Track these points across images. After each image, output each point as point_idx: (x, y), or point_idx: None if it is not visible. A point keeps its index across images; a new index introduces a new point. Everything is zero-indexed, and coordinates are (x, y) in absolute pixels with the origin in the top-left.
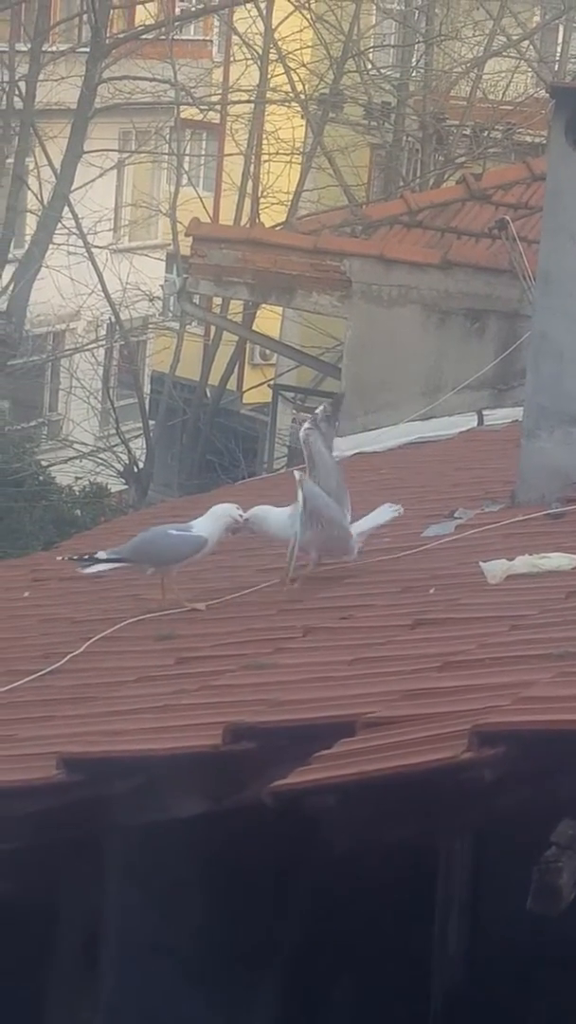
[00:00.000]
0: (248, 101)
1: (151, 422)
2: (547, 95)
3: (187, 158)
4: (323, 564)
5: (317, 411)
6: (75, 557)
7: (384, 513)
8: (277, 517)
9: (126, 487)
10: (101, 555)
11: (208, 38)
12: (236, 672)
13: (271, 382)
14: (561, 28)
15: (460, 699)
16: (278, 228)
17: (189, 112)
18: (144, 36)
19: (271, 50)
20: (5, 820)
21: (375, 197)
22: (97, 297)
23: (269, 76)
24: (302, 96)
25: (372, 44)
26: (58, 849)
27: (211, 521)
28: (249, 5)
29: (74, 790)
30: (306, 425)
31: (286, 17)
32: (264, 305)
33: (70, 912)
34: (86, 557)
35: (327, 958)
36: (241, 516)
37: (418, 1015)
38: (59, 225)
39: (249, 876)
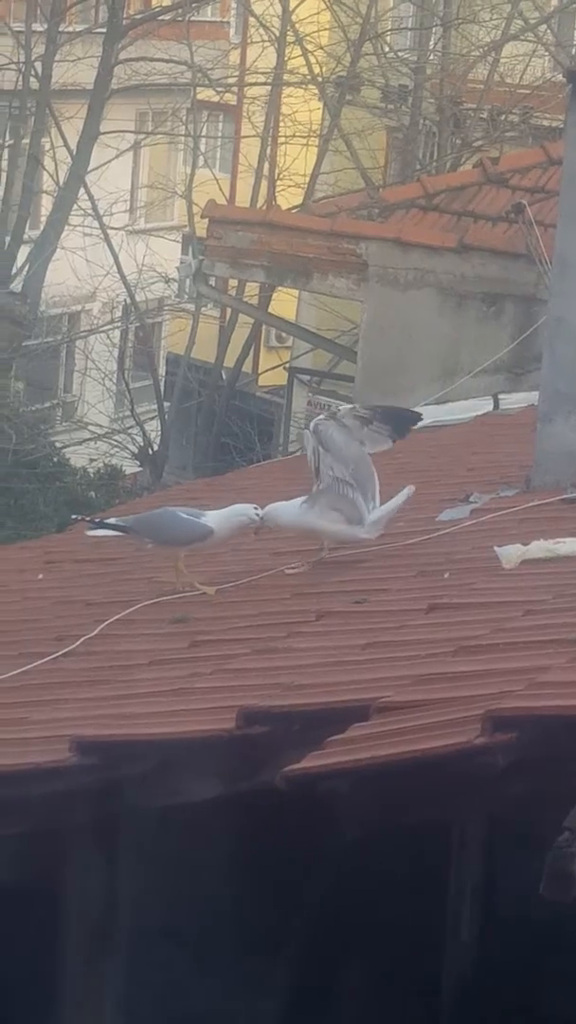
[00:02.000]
0: (265, 83)
1: (166, 404)
2: (564, 79)
3: (203, 140)
4: (337, 549)
5: (348, 407)
6: (87, 518)
7: (401, 496)
8: (288, 509)
9: (141, 469)
10: (111, 521)
11: (225, 19)
12: (250, 656)
13: (287, 365)
14: None
15: (474, 684)
16: (294, 211)
17: (206, 94)
18: (161, 17)
19: (288, 32)
20: (18, 802)
21: (392, 180)
22: (112, 278)
23: (286, 58)
24: (319, 78)
25: (390, 27)
26: (70, 833)
27: (225, 516)
28: None
29: (87, 773)
30: (320, 417)
31: None
32: (280, 288)
33: (81, 896)
34: (97, 520)
35: (339, 944)
36: (258, 516)
37: (430, 1002)
38: (75, 206)
39: (261, 861)
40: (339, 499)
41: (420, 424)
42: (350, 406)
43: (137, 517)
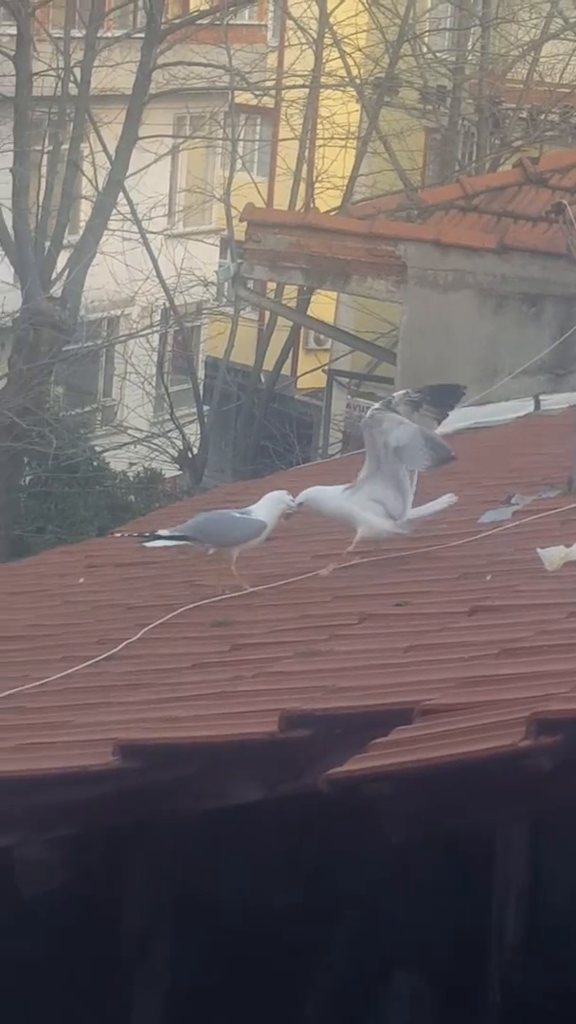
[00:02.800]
0: (303, 86)
1: (205, 407)
2: None
3: (241, 143)
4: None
5: (401, 393)
6: (135, 534)
7: (441, 501)
8: (329, 493)
9: (180, 473)
10: (163, 532)
11: (263, 23)
12: (292, 659)
13: (325, 367)
14: None
15: (518, 686)
16: (333, 213)
17: (244, 97)
18: (199, 21)
19: (326, 34)
20: (62, 806)
21: (430, 181)
22: (152, 283)
23: (324, 60)
24: (357, 80)
25: (428, 28)
26: (114, 836)
27: (267, 507)
28: None
29: (130, 777)
30: (376, 406)
31: (341, 1)
32: (319, 290)
33: (126, 899)
34: (146, 535)
35: (384, 947)
36: (292, 503)
37: (476, 1004)
38: (114, 211)
39: (306, 864)
40: (382, 491)
41: (462, 427)
42: (403, 391)
43: (193, 523)
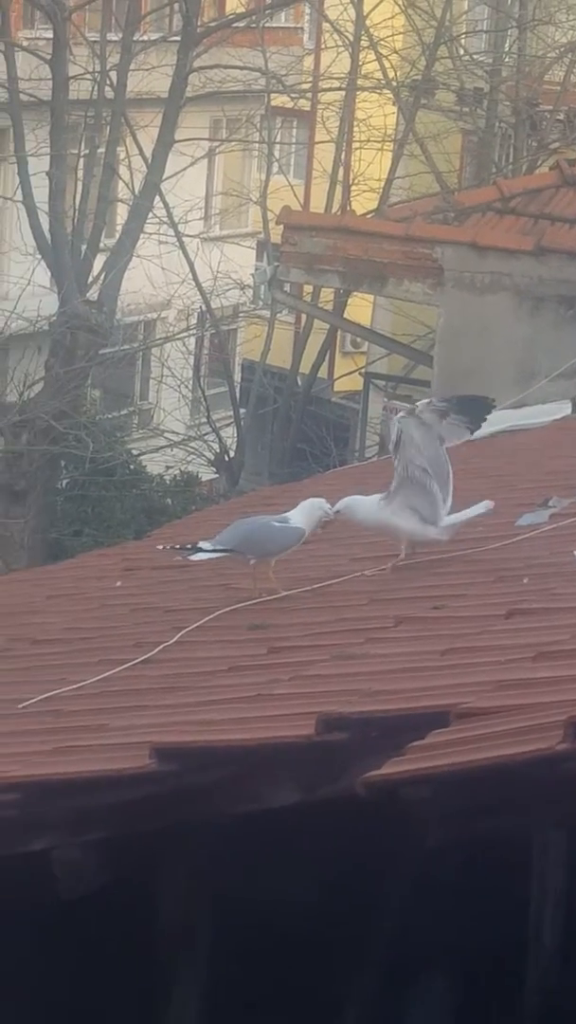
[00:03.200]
0: (339, 88)
1: (242, 410)
2: None
3: (278, 146)
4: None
5: (425, 402)
6: (178, 547)
7: (479, 507)
8: (365, 504)
9: (217, 476)
10: (204, 545)
11: (299, 25)
12: (328, 662)
13: (362, 370)
14: None
15: (555, 689)
16: (369, 216)
17: (280, 100)
18: (235, 24)
19: (362, 36)
20: (98, 809)
21: (467, 184)
22: (188, 286)
23: (360, 63)
24: (393, 83)
25: (464, 30)
26: (151, 838)
27: (305, 513)
28: None
29: (166, 780)
30: (400, 413)
31: (378, 3)
32: (355, 293)
33: (164, 900)
34: (188, 547)
35: (421, 951)
36: (330, 510)
37: (514, 1009)
38: (150, 214)
39: (343, 867)
40: (416, 497)
41: (498, 429)
42: (427, 400)
43: (232, 534)
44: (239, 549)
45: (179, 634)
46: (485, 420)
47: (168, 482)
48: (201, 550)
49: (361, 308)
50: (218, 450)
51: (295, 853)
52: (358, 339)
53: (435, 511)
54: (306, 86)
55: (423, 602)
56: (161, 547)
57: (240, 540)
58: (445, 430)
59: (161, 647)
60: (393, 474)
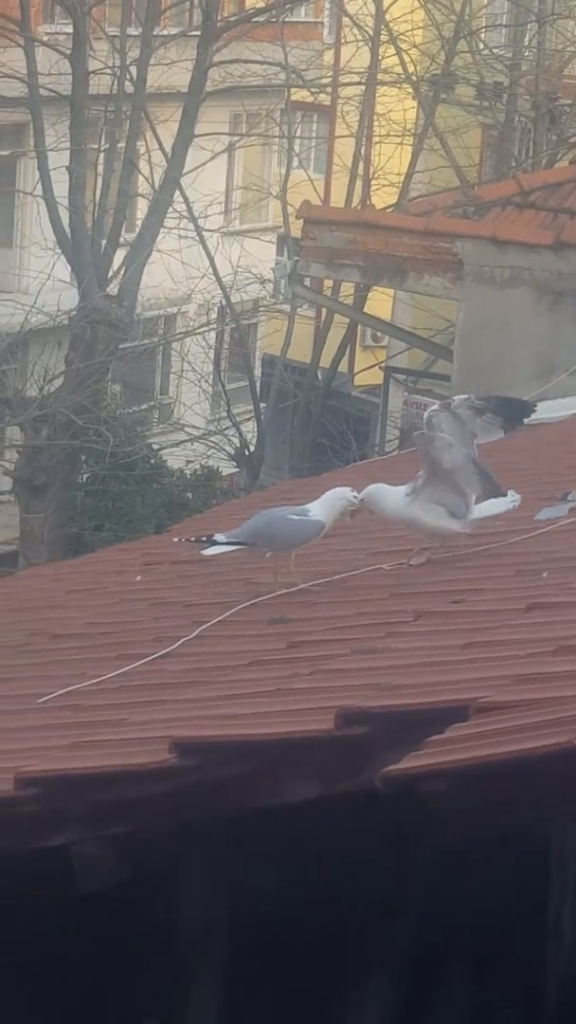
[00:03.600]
0: (359, 83)
1: (262, 405)
2: None
3: (298, 140)
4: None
5: (463, 397)
6: (193, 539)
7: (506, 501)
8: (392, 496)
9: (237, 470)
10: (219, 537)
11: (319, 20)
12: (348, 656)
13: (382, 364)
14: None
15: (574, 683)
16: (389, 210)
17: (300, 94)
18: (255, 19)
19: (382, 31)
20: (119, 804)
21: (487, 178)
22: (208, 280)
23: (380, 57)
24: (413, 77)
25: (484, 24)
26: (170, 833)
27: (327, 505)
28: None
29: (187, 774)
30: (435, 406)
31: None
32: (375, 287)
33: (184, 895)
34: (204, 539)
35: (438, 947)
36: (356, 498)
37: (533, 1005)
38: (170, 209)
39: (362, 864)
40: (444, 493)
41: (531, 418)
42: (465, 396)
43: (248, 529)
44: (255, 542)
45: (199, 629)
46: (521, 423)
47: (188, 476)
48: (216, 543)
49: (381, 302)
50: (238, 444)
51: (314, 849)
52: (378, 333)
53: (463, 506)
54: (326, 81)
55: (443, 596)
56: (177, 539)
57: (256, 533)
58: (479, 427)
59: (181, 642)
60: (420, 467)
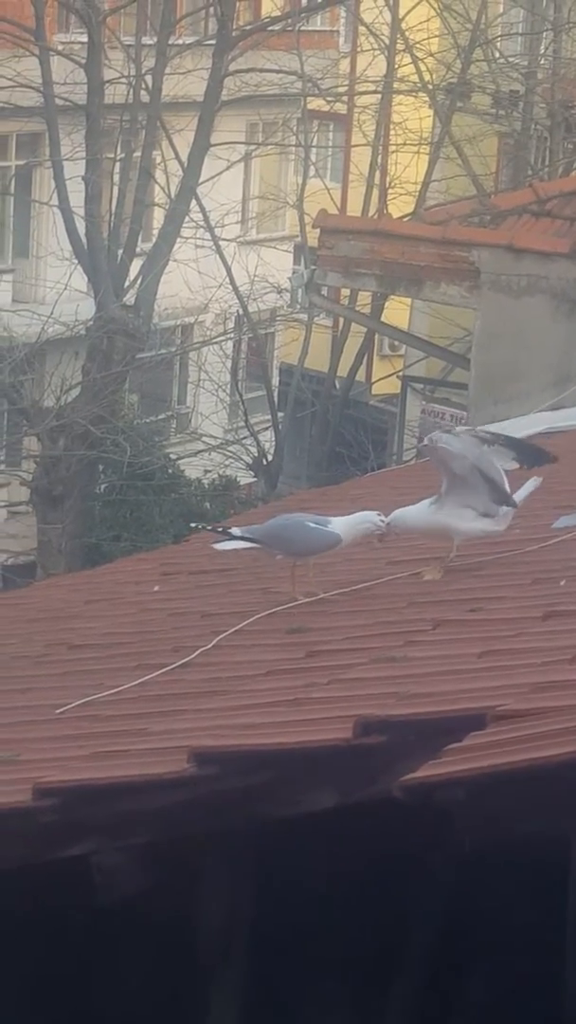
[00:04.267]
0: (375, 92)
1: (280, 414)
2: None
3: (314, 149)
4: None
5: (465, 428)
6: (210, 528)
7: (529, 486)
8: (416, 511)
9: (255, 480)
10: (235, 531)
11: (335, 28)
12: (366, 665)
13: (400, 373)
14: None
15: None
16: (406, 219)
17: (316, 103)
18: (270, 28)
19: (398, 40)
20: (138, 814)
21: (504, 186)
22: (225, 290)
23: (396, 66)
24: (429, 86)
25: (500, 32)
26: (190, 843)
27: (350, 523)
28: None
29: (206, 784)
30: (433, 434)
31: (413, 7)
32: (393, 296)
33: (204, 905)
34: (220, 530)
35: (458, 959)
36: (382, 521)
37: (554, 1005)
38: (187, 218)
39: (380, 872)
40: (468, 495)
41: (535, 432)
42: (467, 427)
43: (265, 528)
44: (269, 543)
45: (217, 638)
46: (539, 467)
47: (206, 486)
48: (231, 537)
49: (398, 311)
50: (256, 454)
51: (332, 858)
52: (396, 342)
53: (490, 504)
54: (342, 89)
55: (460, 605)
56: (194, 524)
57: (272, 535)
58: (495, 454)
59: (199, 651)
60: (437, 478)
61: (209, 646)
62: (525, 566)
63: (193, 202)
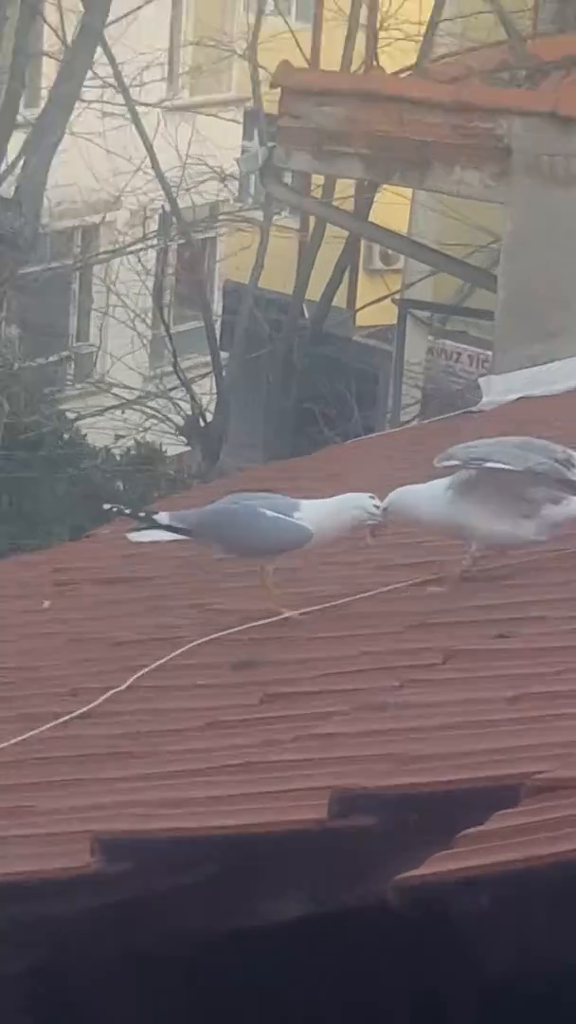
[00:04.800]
0: None
1: (224, 355)
2: None
3: None
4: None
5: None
6: (128, 512)
7: None
8: (426, 496)
9: (188, 449)
10: (162, 517)
11: None
12: (347, 715)
13: (396, 296)
14: None
15: None
16: (406, 75)
17: None
18: None
19: None
20: (19, 927)
21: (544, 28)
22: (145, 176)
23: None
24: None
25: None
26: (92, 970)
27: (330, 510)
28: None
29: (118, 884)
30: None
31: None
32: (385, 186)
33: None
34: (143, 514)
35: None
36: (377, 507)
37: None
38: (90, 74)
39: (372, 1009)
40: (501, 484)
41: None
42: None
43: (204, 514)
44: (205, 536)
45: (133, 677)
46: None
47: (118, 459)
48: (154, 524)
49: (394, 208)
50: (190, 412)
51: (307, 984)
52: (390, 252)
53: (532, 503)
54: None
55: (482, 628)
56: (107, 506)
57: (211, 523)
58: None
59: (108, 694)
60: (450, 442)
61: (122, 687)
62: (572, 574)
63: (99, 51)
